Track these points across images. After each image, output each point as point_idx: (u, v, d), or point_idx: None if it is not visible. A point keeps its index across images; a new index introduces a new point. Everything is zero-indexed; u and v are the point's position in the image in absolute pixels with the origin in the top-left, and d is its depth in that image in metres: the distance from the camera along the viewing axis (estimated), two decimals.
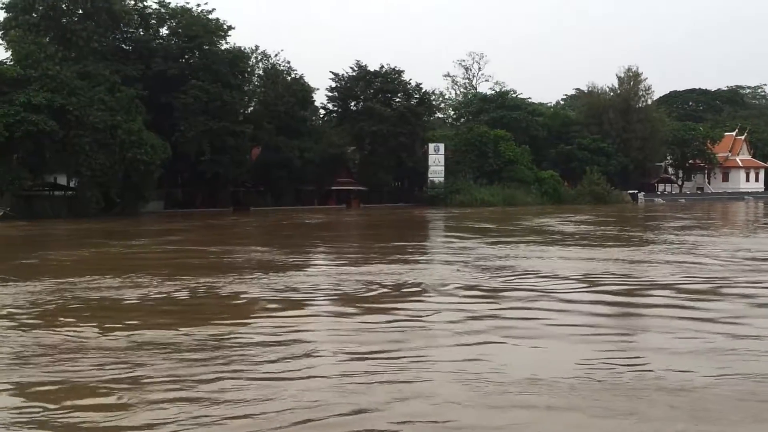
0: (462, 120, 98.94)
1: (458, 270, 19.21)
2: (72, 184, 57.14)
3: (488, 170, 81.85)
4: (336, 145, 73.84)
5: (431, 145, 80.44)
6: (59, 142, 51.27)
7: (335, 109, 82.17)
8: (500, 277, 17.85)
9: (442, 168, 79.77)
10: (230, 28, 65.80)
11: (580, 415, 7.19)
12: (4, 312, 13.14)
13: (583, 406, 7.41)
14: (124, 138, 53.00)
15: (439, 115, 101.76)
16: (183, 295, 14.91)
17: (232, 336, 10.86)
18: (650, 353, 9.91)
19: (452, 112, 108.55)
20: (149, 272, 18.62)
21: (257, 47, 77.08)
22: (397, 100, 79.90)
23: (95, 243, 31.02)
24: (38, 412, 7.33)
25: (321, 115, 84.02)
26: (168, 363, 9.12)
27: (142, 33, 63.50)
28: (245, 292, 15.20)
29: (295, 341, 10.55)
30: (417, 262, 21.13)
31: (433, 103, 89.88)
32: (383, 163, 76.34)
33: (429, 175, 79.77)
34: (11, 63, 53.09)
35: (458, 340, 10.63)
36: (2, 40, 57.15)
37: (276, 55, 76.38)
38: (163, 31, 65.17)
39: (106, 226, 42.53)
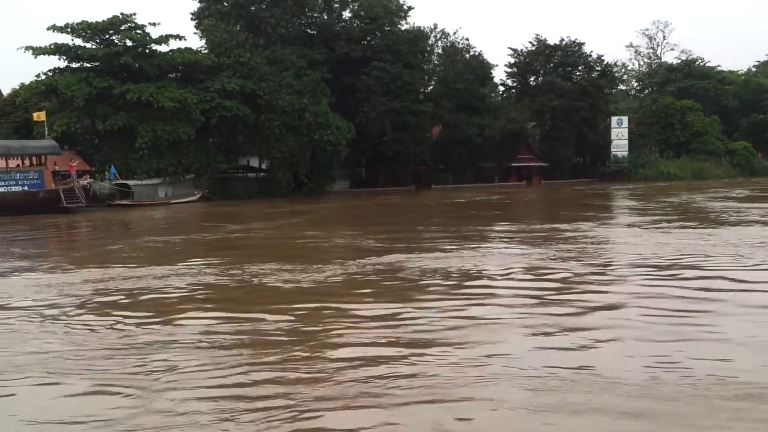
0: (646, 91, 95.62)
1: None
2: (263, 166, 59.70)
3: (675, 143, 78.81)
4: (516, 122, 73.26)
5: (614, 119, 78.41)
6: (251, 126, 53.75)
7: (514, 84, 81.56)
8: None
9: (626, 141, 77.62)
10: (410, 8, 66.67)
11: None
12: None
13: None
14: (311, 120, 54.89)
15: (622, 87, 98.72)
16: (377, 272, 15.15)
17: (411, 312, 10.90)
18: None
19: (635, 84, 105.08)
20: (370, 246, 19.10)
21: (436, 26, 77.86)
22: (578, 73, 78.37)
23: (298, 218, 32.13)
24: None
25: (500, 92, 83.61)
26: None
27: (325, 17, 65.25)
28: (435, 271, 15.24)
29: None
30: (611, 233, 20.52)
31: (616, 75, 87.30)
32: (564, 138, 75.14)
33: (612, 150, 77.84)
34: (205, 51, 55.86)
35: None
36: (197, 29, 60.44)
37: (455, 32, 77.06)
38: (346, 14, 66.77)
39: (298, 206, 44.04)
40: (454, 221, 29.64)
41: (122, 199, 48.05)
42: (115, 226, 33.21)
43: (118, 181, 48.88)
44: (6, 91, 60.66)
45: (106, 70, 50.96)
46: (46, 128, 46.56)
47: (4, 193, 41.92)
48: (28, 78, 77.95)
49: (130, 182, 49.20)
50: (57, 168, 45.27)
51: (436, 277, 13.44)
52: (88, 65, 52.26)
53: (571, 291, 11.60)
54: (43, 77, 51.92)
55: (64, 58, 52.08)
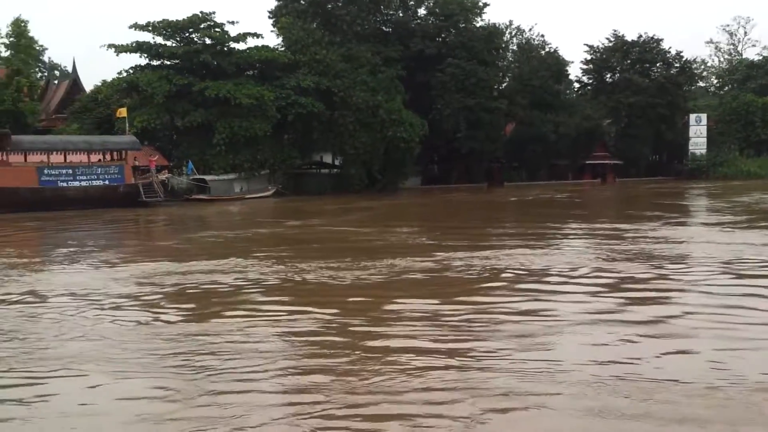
0: (726, 88, 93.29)
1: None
2: (337, 163, 60.17)
3: (755, 141, 76.85)
4: (591, 119, 72.35)
5: (692, 116, 76.87)
6: (325, 122, 54.23)
7: (590, 81, 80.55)
8: None
9: (704, 139, 76.00)
10: (485, 5, 66.31)
11: None
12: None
13: None
14: (384, 117, 55.14)
15: (701, 84, 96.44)
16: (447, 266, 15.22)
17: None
18: None
19: (715, 81, 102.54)
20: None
21: (511, 22, 77.34)
22: (656, 70, 76.88)
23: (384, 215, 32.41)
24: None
25: (575, 89, 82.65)
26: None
27: (401, 14, 65.33)
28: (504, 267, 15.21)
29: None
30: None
31: (695, 71, 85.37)
32: (640, 135, 73.93)
33: (689, 147, 76.30)
34: (282, 49, 56.52)
35: None
36: (274, 27, 61.18)
37: (530, 29, 76.44)
38: (421, 11, 66.71)
39: (370, 202, 44.31)
40: (524, 219, 29.58)
41: (199, 194, 49.05)
42: (190, 221, 33.98)
43: (196, 176, 49.87)
44: (89, 88, 62.30)
45: (185, 68, 52.02)
46: (127, 124, 47.75)
47: (86, 187, 43.13)
48: (110, 75, 79.90)
49: (207, 177, 50.15)
50: (137, 163, 46.41)
51: (505, 272, 13.50)
52: (168, 63, 53.43)
53: (639, 292, 11.49)
54: (125, 74, 53.28)
55: (145, 55, 53.33)
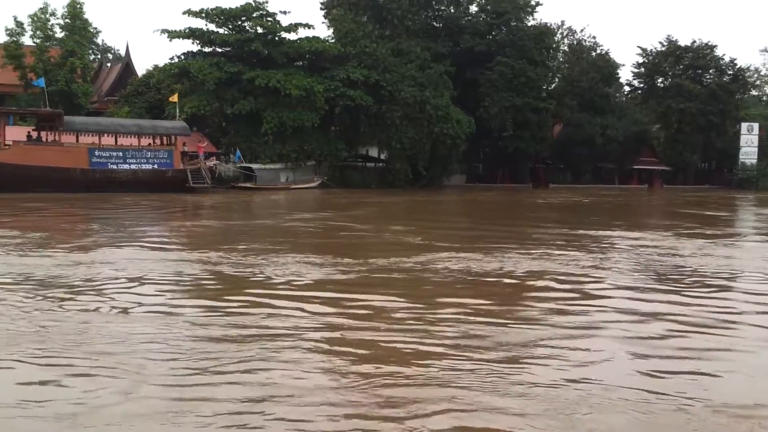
0: None
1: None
2: (382, 157, 60.24)
3: None
4: (640, 123, 71.66)
5: (744, 125, 75.67)
6: (373, 116, 54.33)
7: (641, 85, 79.59)
8: None
9: (755, 149, 74.75)
10: (538, 4, 65.78)
11: None
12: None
13: None
14: (432, 113, 55.05)
15: (754, 92, 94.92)
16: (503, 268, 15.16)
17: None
18: None
19: None
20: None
21: (563, 23, 76.90)
22: (708, 76, 75.77)
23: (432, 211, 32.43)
24: None
25: (625, 92, 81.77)
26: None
27: (452, 10, 65.09)
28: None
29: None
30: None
31: (748, 80, 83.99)
32: (690, 142, 72.91)
33: (740, 157, 75.11)
34: (332, 40, 56.69)
35: None
36: (325, 18, 61.48)
37: (582, 30, 75.99)
38: (473, 8, 66.44)
39: (414, 197, 44.35)
40: (565, 221, 29.33)
41: (245, 182, 49.42)
42: (235, 208, 34.25)
43: (243, 165, 50.26)
44: (141, 72, 63.06)
45: (236, 56, 52.36)
46: (178, 110, 48.25)
47: (135, 170, 43.68)
48: (163, 60, 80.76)
49: (254, 166, 50.49)
50: (186, 148, 46.90)
51: (540, 281, 13.38)
52: (220, 50, 53.90)
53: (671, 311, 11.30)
54: (177, 60, 53.84)
55: (197, 42, 53.82)
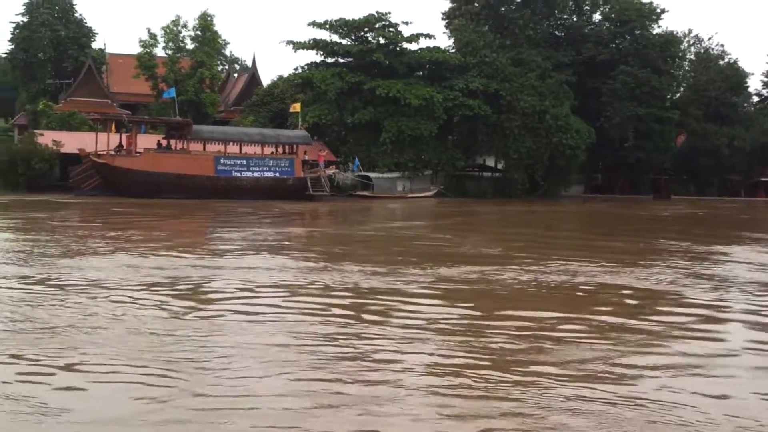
0: None
1: None
2: (500, 166, 60.11)
3: None
4: None
5: None
6: (491, 125, 54.33)
7: None
8: None
9: None
10: (663, 11, 64.41)
11: None
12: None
13: None
14: (551, 123, 54.68)
15: None
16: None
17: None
18: None
19: None
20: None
21: (690, 31, 74.78)
22: None
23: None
24: None
25: (754, 102, 78.89)
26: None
27: (575, 19, 64.48)
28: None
29: None
30: None
31: None
32: None
33: None
34: (453, 50, 57.05)
35: None
36: (446, 28, 61.94)
37: (709, 38, 73.87)
38: (596, 16, 65.66)
39: (533, 206, 44.13)
40: (683, 235, 28.63)
41: (363, 190, 50.26)
42: (354, 216, 34.93)
43: (361, 173, 51.12)
44: (266, 82, 65.00)
45: (357, 66, 53.35)
46: (300, 119, 49.54)
47: (258, 178, 45.09)
48: (287, 71, 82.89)
49: (372, 174, 51.30)
50: (306, 157, 48.11)
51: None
52: (342, 60, 55.04)
53: None
54: (300, 71, 55.32)
55: (321, 53, 55.13)
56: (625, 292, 14.01)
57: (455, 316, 11.29)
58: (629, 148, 60.65)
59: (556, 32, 63.96)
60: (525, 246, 21.81)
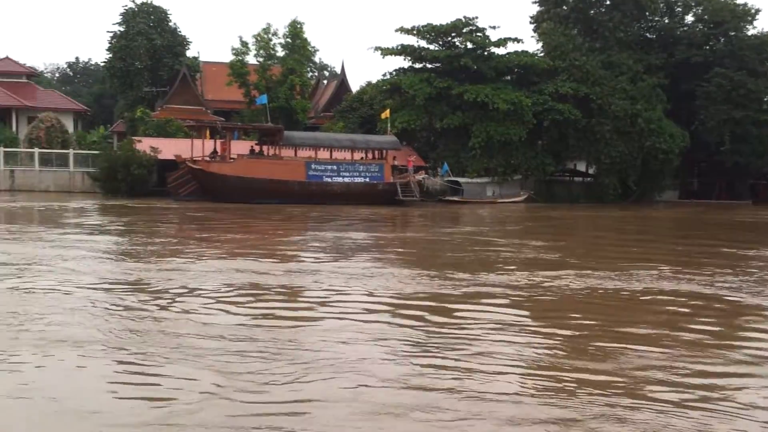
0: None
1: None
2: (590, 171, 59.30)
3: None
4: None
5: None
6: (581, 130, 53.64)
7: None
8: None
9: None
10: (758, 11, 62.48)
11: None
12: None
13: None
14: (643, 126, 53.73)
15: None
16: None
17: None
18: None
19: None
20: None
21: None
22: None
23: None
24: None
25: None
26: None
27: (666, 21, 63.17)
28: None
29: None
30: None
31: None
32: None
33: None
34: (541, 54, 56.60)
35: None
36: (534, 32, 61.45)
37: None
38: (688, 18, 64.05)
39: (624, 212, 43.45)
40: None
41: (452, 195, 50.28)
42: (445, 221, 34.97)
43: (450, 178, 51.11)
44: (354, 88, 65.59)
45: (445, 71, 53.38)
46: (389, 124, 49.88)
47: (348, 183, 45.52)
48: (375, 76, 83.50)
49: (461, 180, 51.25)
50: (396, 162, 48.34)
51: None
52: (430, 66, 55.14)
53: None
54: (389, 76, 55.68)
55: (409, 58, 55.41)
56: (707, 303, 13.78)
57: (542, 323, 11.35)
58: (726, 153, 58.87)
59: (647, 34, 62.68)
60: (641, 253, 21.56)
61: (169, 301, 12.30)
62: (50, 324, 10.29)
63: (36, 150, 50.23)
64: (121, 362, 8.62)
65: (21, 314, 10.81)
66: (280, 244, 22.13)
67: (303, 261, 18.02)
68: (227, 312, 11.52)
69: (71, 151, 50.58)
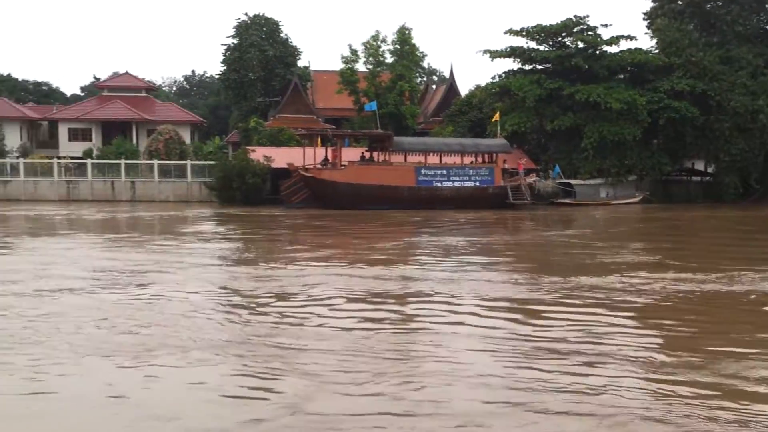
0: None
1: None
2: (709, 170, 57.31)
3: None
4: None
5: None
6: (698, 128, 51.87)
7: None
8: None
9: None
10: None
11: None
12: None
13: None
14: (765, 123, 51.47)
15: None
16: None
17: None
18: None
19: None
20: None
21: None
22: None
23: None
24: None
25: None
26: None
27: None
28: None
29: None
30: None
31: None
32: None
33: None
34: (655, 51, 55.05)
35: None
36: (648, 29, 59.87)
37: None
38: None
39: (745, 212, 41.94)
40: None
41: (564, 198, 49.45)
42: (557, 223, 34.47)
43: (562, 180, 50.30)
44: (463, 92, 65.42)
45: (556, 72, 52.58)
46: (499, 127, 49.50)
47: (458, 188, 45.43)
48: (484, 79, 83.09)
49: (573, 182, 50.35)
50: (506, 166, 47.92)
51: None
52: (540, 67, 54.38)
53: None
54: (498, 79, 55.23)
55: (518, 60, 54.76)
56: None
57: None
58: None
59: None
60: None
61: (281, 306, 12.55)
62: (171, 327, 10.66)
63: (155, 161, 52.06)
64: (235, 371, 8.85)
65: (140, 319, 11.26)
66: (390, 250, 22.28)
67: (415, 266, 18.09)
68: (339, 317, 11.67)
69: (189, 162, 52.19)
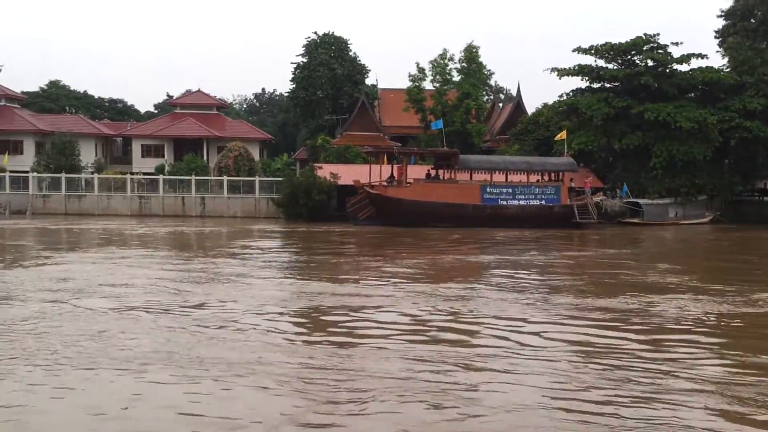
0: None
1: None
2: None
3: None
4: None
5: None
6: None
7: None
8: None
9: None
10: None
11: None
12: None
13: None
14: None
15: None
16: None
17: None
18: None
19: None
20: None
21: None
22: None
23: None
24: None
25: None
26: None
27: None
28: None
29: None
30: None
31: None
32: None
33: None
34: (727, 69, 54.09)
35: None
36: (719, 47, 58.90)
37: None
38: None
39: None
40: None
41: (632, 217, 48.85)
42: (625, 243, 34.11)
43: (629, 200, 49.70)
44: (530, 111, 65.17)
45: (624, 90, 52.03)
46: (566, 146, 49.22)
47: (524, 206, 45.30)
48: (551, 98, 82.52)
49: (641, 201, 49.68)
50: (573, 184, 47.59)
51: None
52: (608, 85, 53.85)
53: None
54: (565, 97, 54.86)
55: (586, 78, 54.29)
56: None
57: None
58: None
59: None
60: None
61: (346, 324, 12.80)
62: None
63: (225, 177, 53.06)
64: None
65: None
66: (452, 269, 22.44)
67: (473, 286, 18.21)
68: (400, 333, 11.88)
69: (257, 179, 53.09)
